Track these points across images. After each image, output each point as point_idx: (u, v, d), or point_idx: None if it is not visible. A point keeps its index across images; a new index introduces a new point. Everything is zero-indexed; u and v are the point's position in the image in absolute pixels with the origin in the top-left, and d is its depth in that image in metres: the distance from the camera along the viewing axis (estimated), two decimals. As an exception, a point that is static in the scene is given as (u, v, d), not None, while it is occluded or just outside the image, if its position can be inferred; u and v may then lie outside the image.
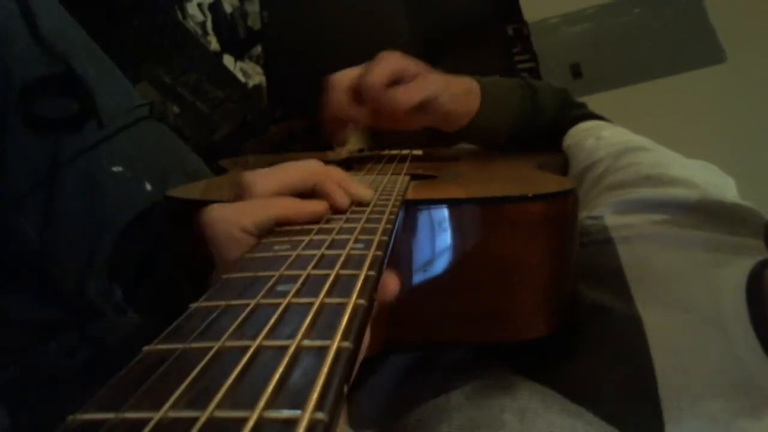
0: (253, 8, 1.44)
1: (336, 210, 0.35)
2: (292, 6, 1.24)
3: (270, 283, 0.24)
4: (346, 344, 0.19)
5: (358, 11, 1.21)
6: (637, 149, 0.64)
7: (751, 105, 1.22)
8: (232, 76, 1.39)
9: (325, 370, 0.17)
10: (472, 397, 0.42)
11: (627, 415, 0.39)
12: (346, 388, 0.18)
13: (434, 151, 0.76)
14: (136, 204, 0.69)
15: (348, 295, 0.23)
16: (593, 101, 0.79)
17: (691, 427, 0.38)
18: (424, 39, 1.19)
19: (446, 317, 0.42)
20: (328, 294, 0.23)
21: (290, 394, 0.16)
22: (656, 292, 0.46)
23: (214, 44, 1.42)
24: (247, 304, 0.22)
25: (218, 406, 0.16)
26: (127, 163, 0.69)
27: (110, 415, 0.15)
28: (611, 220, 0.55)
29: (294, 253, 0.28)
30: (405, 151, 0.72)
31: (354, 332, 0.20)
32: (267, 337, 0.19)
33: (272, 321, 0.21)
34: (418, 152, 0.73)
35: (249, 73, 1.43)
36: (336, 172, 0.37)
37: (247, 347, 0.19)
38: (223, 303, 0.22)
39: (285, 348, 0.19)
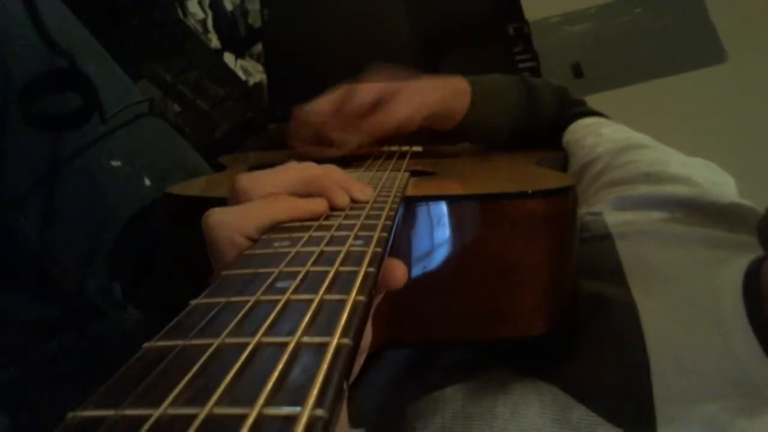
0: (254, 6, 1.44)
1: (336, 210, 0.35)
2: (293, 4, 1.24)
3: (269, 280, 0.24)
4: (346, 341, 0.19)
5: (358, 11, 1.21)
6: (636, 146, 0.64)
7: (752, 104, 1.22)
8: (232, 74, 1.39)
9: (324, 366, 0.17)
10: (467, 391, 0.42)
11: (623, 414, 0.39)
12: (346, 385, 0.18)
13: (434, 148, 0.76)
14: (135, 201, 0.69)
15: (348, 291, 0.23)
16: (594, 101, 0.79)
17: (686, 429, 0.38)
18: (424, 39, 1.19)
19: (446, 316, 0.42)
20: (328, 291, 0.23)
21: (290, 391, 0.16)
22: (655, 290, 0.46)
23: (214, 42, 1.42)
24: (247, 301, 0.22)
25: (218, 403, 0.16)
26: (126, 159, 0.69)
27: (110, 412, 0.15)
28: (610, 216, 0.55)
29: (293, 250, 0.28)
30: (404, 148, 0.72)
31: (354, 329, 0.20)
32: (266, 333, 0.19)
33: (272, 318, 0.21)
34: (418, 149, 0.73)
35: (250, 71, 1.43)
36: (335, 172, 0.37)
37: (247, 344, 0.19)
38: (222, 300, 0.22)
39: (284, 345, 0.19)
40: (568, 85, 0.80)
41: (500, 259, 0.42)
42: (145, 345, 0.19)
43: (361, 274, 0.25)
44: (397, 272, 0.31)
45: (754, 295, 0.42)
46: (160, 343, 0.19)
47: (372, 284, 0.25)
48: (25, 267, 0.69)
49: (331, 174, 0.37)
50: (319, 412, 0.15)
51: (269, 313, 0.21)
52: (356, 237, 0.29)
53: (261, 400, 0.16)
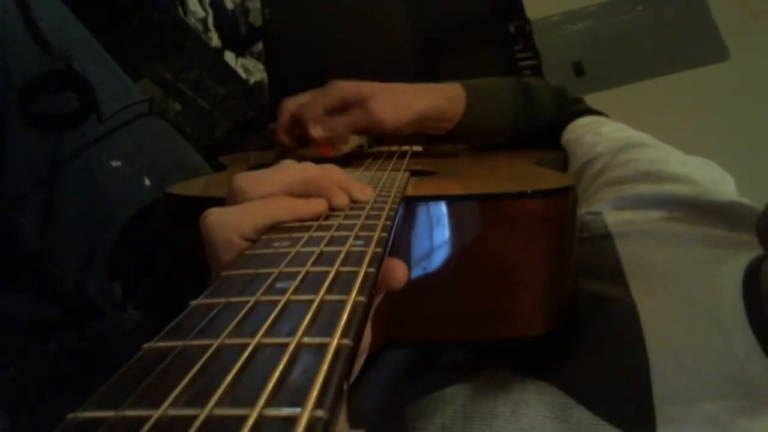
0: (255, 5, 1.44)
1: (336, 210, 0.35)
2: (294, 3, 1.24)
3: (269, 281, 0.24)
4: (346, 341, 0.19)
5: (358, 11, 1.21)
6: (636, 145, 0.64)
7: (754, 103, 1.22)
8: (233, 73, 1.39)
9: (324, 367, 0.17)
10: (467, 391, 0.42)
11: (623, 415, 0.39)
12: (346, 386, 0.18)
13: (434, 148, 0.76)
14: (135, 202, 0.69)
15: (348, 292, 0.23)
16: (595, 99, 0.79)
17: (686, 428, 0.38)
18: (424, 39, 1.19)
19: (446, 316, 0.42)
20: (328, 291, 0.23)
21: (290, 392, 0.16)
22: (655, 290, 0.46)
23: (215, 41, 1.42)
24: (247, 302, 0.22)
25: (218, 404, 0.16)
26: (126, 159, 0.69)
27: (110, 413, 0.15)
28: (610, 215, 0.55)
29: (293, 250, 0.28)
30: (404, 147, 0.72)
31: (354, 329, 0.20)
32: (266, 334, 0.19)
33: (272, 318, 0.21)
34: (418, 148, 0.73)
35: (250, 69, 1.43)
36: (335, 172, 0.37)
37: (247, 345, 0.19)
38: (222, 300, 0.22)
39: (284, 345, 0.19)
40: (569, 83, 0.80)
41: (500, 259, 0.42)
42: (145, 346, 0.19)
43: (361, 274, 0.25)
44: (398, 272, 0.31)
45: (754, 294, 0.42)
46: (160, 344, 0.19)
47: (372, 284, 0.25)
48: (25, 267, 0.69)
49: (330, 174, 0.36)
50: (320, 413, 0.15)
51: (269, 314, 0.21)
52: (356, 237, 0.29)
53: (261, 401, 0.16)
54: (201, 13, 1.40)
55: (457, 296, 0.42)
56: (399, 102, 0.65)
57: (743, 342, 0.40)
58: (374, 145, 0.78)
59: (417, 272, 0.40)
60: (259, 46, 1.46)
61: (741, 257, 0.45)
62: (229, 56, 1.42)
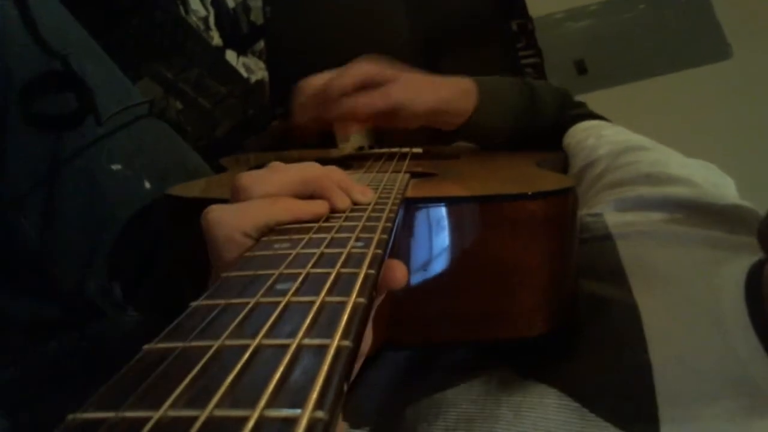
0: (256, 3, 1.44)
1: (336, 212, 0.35)
2: (295, 2, 1.24)
3: (270, 282, 0.24)
4: (346, 343, 0.19)
5: (358, 10, 1.21)
6: (637, 148, 0.64)
7: (757, 102, 1.22)
8: (234, 72, 1.39)
9: (325, 368, 0.17)
10: (469, 393, 0.42)
11: (624, 415, 0.39)
12: (346, 387, 0.18)
13: (434, 149, 0.76)
14: (135, 202, 0.69)
15: (348, 293, 0.23)
16: (597, 97, 0.79)
17: (688, 428, 0.38)
18: (424, 39, 1.19)
19: (446, 317, 0.42)
20: (329, 292, 0.23)
21: (290, 393, 0.16)
22: (655, 290, 0.46)
23: (216, 39, 1.42)
24: (247, 303, 0.22)
25: (218, 405, 0.16)
26: (126, 161, 0.69)
27: (110, 414, 0.15)
28: (611, 217, 0.55)
29: (294, 252, 0.28)
30: (405, 149, 0.72)
31: (354, 331, 0.20)
32: (267, 335, 0.19)
33: (272, 319, 0.21)
34: (418, 150, 0.73)
35: (251, 68, 1.42)
36: (336, 173, 0.37)
37: (247, 346, 0.19)
38: (222, 302, 0.22)
39: (285, 346, 0.19)
40: (571, 81, 0.80)
41: (500, 261, 0.42)
42: (145, 347, 0.19)
43: (362, 275, 0.25)
44: (397, 273, 0.31)
45: (756, 295, 0.42)
46: (161, 345, 0.19)
47: (372, 286, 0.25)
48: (25, 267, 0.70)
49: (331, 174, 0.37)
50: (320, 414, 0.15)
51: (270, 315, 0.21)
52: (356, 239, 0.29)
53: (262, 402, 0.16)
54: (202, 12, 1.40)
55: (457, 297, 0.42)
56: (420, 88, 0.64)
57: (745, 343, 0.40)
58: (375, 146, 0.78)
59: (417, 273, 0.40)
60: (260, 44, 1.45)
61: (742, 260, 0.45)
62: (231, 55, 1.42)
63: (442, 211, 0.41)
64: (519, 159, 0.66)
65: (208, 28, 1.41)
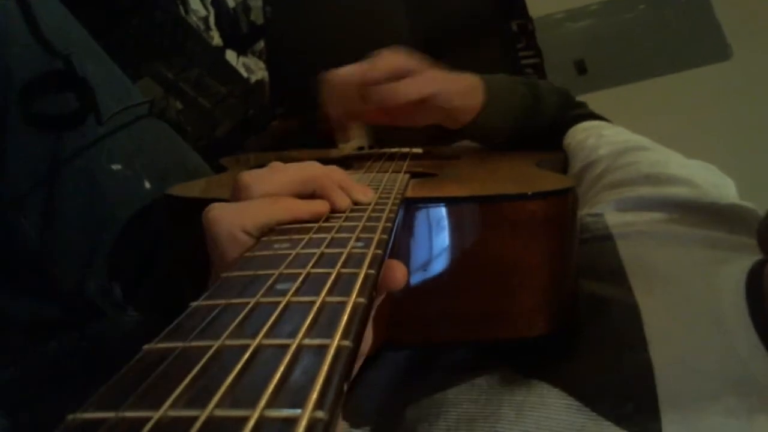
0: (256, 3, 1.44)
1: (336, 211, 0.35)
2: (296, 2, 1.24)
3: (270, 282, 0.24)
4: (346, 343, 0.19)
5: (358, 10, 1.21)
6: (637, 149, 0.64)
7: (755, 103, 1.22)
8: (234, 72, 1.39)
9: (325, 368, 0.17)
10: (470, 393, 0.42)
11: (626, 414, 0.39)
12: (345, 387, 0.18)
13: (434, 149, 0.76)
14: (135, 202, 0.69)
15: (348, 293, 0.23)
16: (597, 98, 0.79)
17: (689, 427, 0.38)
18: (424, 39, 1.19)
19: (446, 318, 0.42)
20: (329, 293, 0.23)
21: (290, 393, 0.16)
22: (655, 290, 0.46)
23: (216, 39, 1.41)
24: (247, 303, 0.22)
25: (218, 405, 0.16)
26: (126, 161, 0.69)
27: (110, 414, 0.15)
28: (611, 217, 0.55)
29: (294, 252, 0.28)
30: (405, 149, 0.72)
31: (354, 331, 0.20)
32: (267, 335, 0.19)
33: (272, 320, 0.21)
34: (418, 150, 0.73)
35: (252, 68, 1.42)
36: (337, 173, 0.37)
37: (247, 346, 0.19)
38: (223, 302, 0.22)
39: (285, 347, 0.19)
40: (571, 81, 0.80)
41: (500, 261, 0.42)
42: (145, 347, 0.19)
43: (362, 276, 0.25)
44: (397, 273, 0.31)
45: (756, 294, 0.42)
46: (161, 345, 0.19)
47: (372, 286, 0.25)
48: (25, 267, 0.69)
49: (332, 174, 0.37)
50: (320, 414, 0.15)
51: (270, 315, 0.21)
52: (357, 239, 0.29)
53: (262, 402, 0.16)
54: (202, 12, 1.40)
55: (457, 297, 0.42)
56: (444, 80, 0.64)
57: (746, 342, 0.40)
58: (374, 146, 0.78)
59: (417, 274, 0.40)
60: (260, 44, 1.45)
61: (743, 260, 0.45)
62: (231, 55, 1.42)
63: (442, 211, 0.41)
64: (519, 159, 0.66)
65: (208, 28, 1.41)
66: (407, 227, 0.40)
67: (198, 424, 0.15)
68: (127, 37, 1.27)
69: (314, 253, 0.27)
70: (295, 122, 1.10)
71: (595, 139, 0.68)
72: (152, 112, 0.76)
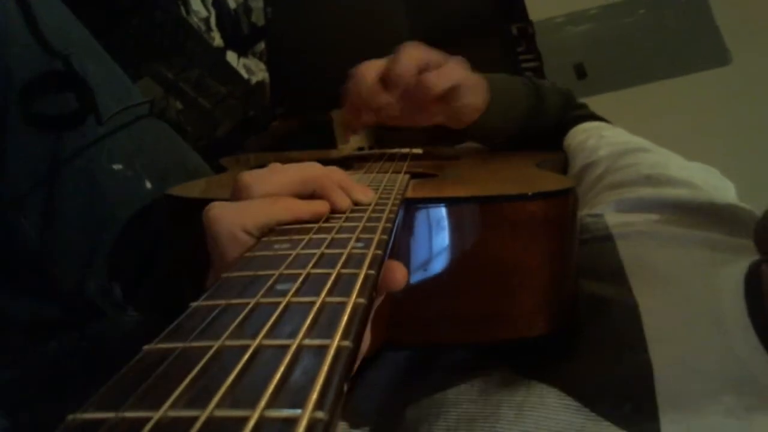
0: (257, 4, 1.44)
1: (337, 212, 0.35)
2: (296, 3, 1.24)
3: (270, 282, 0.24)
4: (346, 343, 0.19)
5: (358, 11, 1.21)
6: (637, 150, 0.64)
7: (756, 107, 1.22)
8: (234, 72, 1.39)
9: (325, 369, 0.17)
10: (470, 394, 0.42)
11: (625, 414, 0.39)
12: (345, 387, 0.18)
13: (434, 150, 0.76)
14: (136, 202, 0.69)
15: (348, 294, 0.23)
16: (597, 102, 0.79)
17: (689, 427, 0.38)
18: (424, 39, 1.19)
19: (446, 318, 0.42)
20: (329, 293, 0.23)
21: (290, 393, 0.16)
22: (655, 290, 0.46)
23: (217, 40, 1.42)
24: (247, 303, 0.22)
25: (218, 405, 0.16)
26: (126, 161, 0.69)
27: (110, 415, 0.15)
28: (612, 218, 0.55)
29: (294, 252, 0.28)
30: (405, 150, 0.72)
31: (354, 331, 0.20)
32: (267, 336, 0.19)
33: (272, 320, 0.21)
34: (418, 151, 0.73)
35: (252, 69, 1.42)
36: (337, 173, 0.37)
37: (247, 346, 0.19)
38: (223, 302, 0.22)
39: (285, 347, 0.19)
40: (571, 85, 0.80)
41: (500, 261, 0.42)
42: (145, 347, 0.19)
43: (362, 276, 0.25)
44: (397, 273, 0.31)
45: (756, 293, 0.42)
46: (161, 345, 0.19)
47: (372, 286, 0.25)
48: (25, 267, 0.70)
49: (332, 174, 0.37)
50: (320, 414, 0.15)
51: (270, 316, 0.21)
52: (357, 239, 0.29)
53: (262, 403, 0.16)
54: (204, 13, 1.40)
55: (457, 298, 0.42)
56: (463, 71, 0.64)
57: (745, 342, 0.40)
58: (374, 147, 0.78)
59: (417, 274, 0.40)
60: (261, 45, 1.45)
61: (742, 261, 0.45)
62: (231, 56, 1.42)
63: (442, 211, 0.41)
64: (519, 160, 0.66)
65: (209, 28, 1.41)
66: (407, 228, 0.40)
67: (198, 425, 0.15)
68: (127, 37, 1.27)
69: (314, 254, 0.27)
70: (295, 122, 1.10)
71: (595, 140, 0.68)
72: (152, 112, 0.76)
